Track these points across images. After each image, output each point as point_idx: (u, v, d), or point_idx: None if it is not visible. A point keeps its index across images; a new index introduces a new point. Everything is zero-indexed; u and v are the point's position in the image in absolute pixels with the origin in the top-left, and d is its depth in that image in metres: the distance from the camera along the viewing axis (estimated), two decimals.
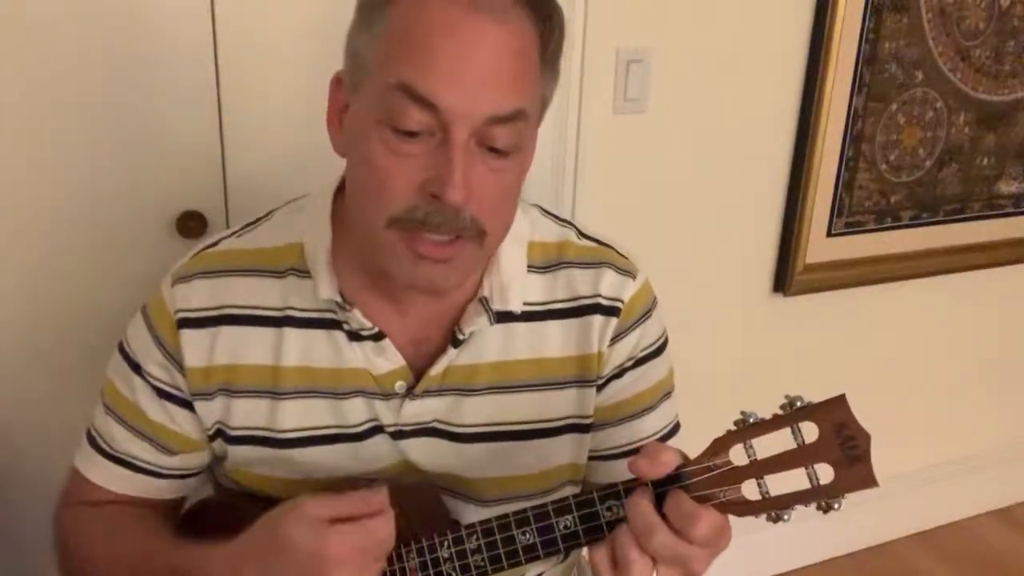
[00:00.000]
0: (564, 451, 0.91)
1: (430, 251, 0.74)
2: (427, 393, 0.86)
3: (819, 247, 1.81)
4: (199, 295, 0.85)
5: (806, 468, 0.66)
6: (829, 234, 1.82)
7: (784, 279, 1.81)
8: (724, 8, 1.57)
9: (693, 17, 1.55)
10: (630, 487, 0.71)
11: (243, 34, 1.27)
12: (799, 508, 0.67)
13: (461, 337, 0.85)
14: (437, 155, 0.71)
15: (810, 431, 0.66)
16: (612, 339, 0.88)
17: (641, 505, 0.68)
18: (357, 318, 0.83)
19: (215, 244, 0.89)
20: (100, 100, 1.23)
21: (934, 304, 2.05)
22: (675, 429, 0.95)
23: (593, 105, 1.52)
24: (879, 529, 2.19)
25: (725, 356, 1.80)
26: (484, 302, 0.84)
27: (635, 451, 0.91)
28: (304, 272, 0.85)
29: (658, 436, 0.93)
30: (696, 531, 0.66)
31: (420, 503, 0.84)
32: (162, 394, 0.87)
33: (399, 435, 0.87)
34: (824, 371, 1.96)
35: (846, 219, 1.83)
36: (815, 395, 0.68)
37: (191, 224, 1.31)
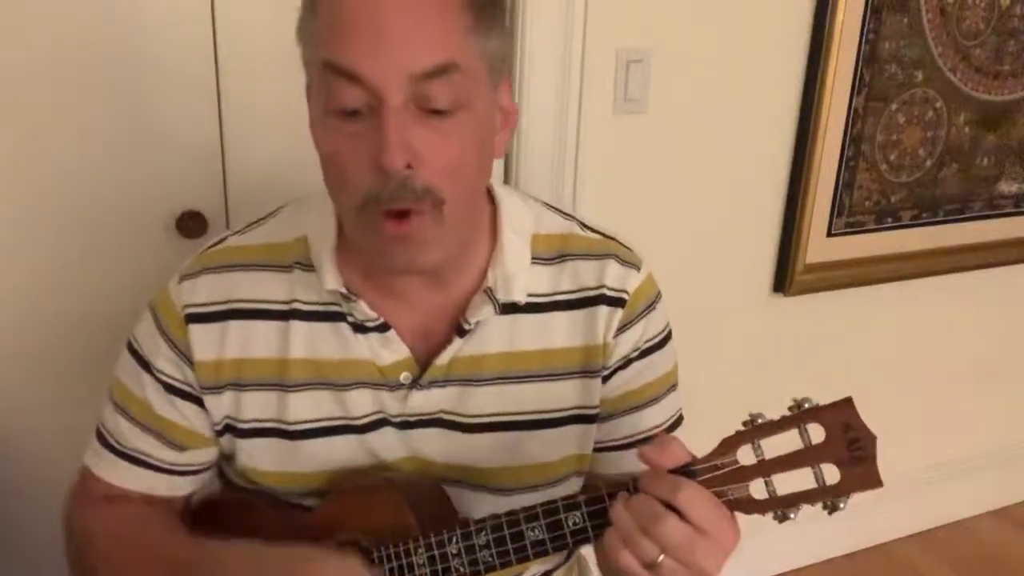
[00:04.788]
0: (570, 441, 0.91)
1: (389, 229, 0.74)
2: (433, 384, 0.87)
3: (819, 247, 1.81)
4: (206, 290, 0.86)
5: (812, 468, 0.67)
6: (829, 234, 1.82)
7: (784, 279, 1.81)
8: (724, 8, 1.57)
9: (693, 17, 1.55)
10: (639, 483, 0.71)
11: (243, 34, 1.27)
12: (805, 508, 0.68)
13: (467, 327, 0.85)
14: (377, 128, 0.71)
15: (817, 432, 0.67)
16: (618, 330, 0.88)
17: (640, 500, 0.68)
18: (362, 309, 0.84)
19: (220, 242, 0.90)
20: (100, 100, 1.23)
21: (934, 304, 2.05)
22: (679, 421, 0.96)
23: (593, 105, 1.52)
24: (879, 529, 2.19)
25: (725, 356, 1.80)
26: (489, 292, 0.85)
27: (640, 442, 0.91)
28: (309, 266, 0.86)
29: (662, 427, 0.93)
30: (680, 496, 0.66)
31: (429, 501, 0.84)
32: (171, 390, 0.87)
33: (405, 426, 0.87)
34: (824, 371, 1.96)
35: (846, 219, 1.83)
36: (815, 394, 0.69)
37: (191, 224, 1.31)
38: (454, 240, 0.80)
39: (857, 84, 1.72)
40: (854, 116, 1.74)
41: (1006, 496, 2.39)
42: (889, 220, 1.89)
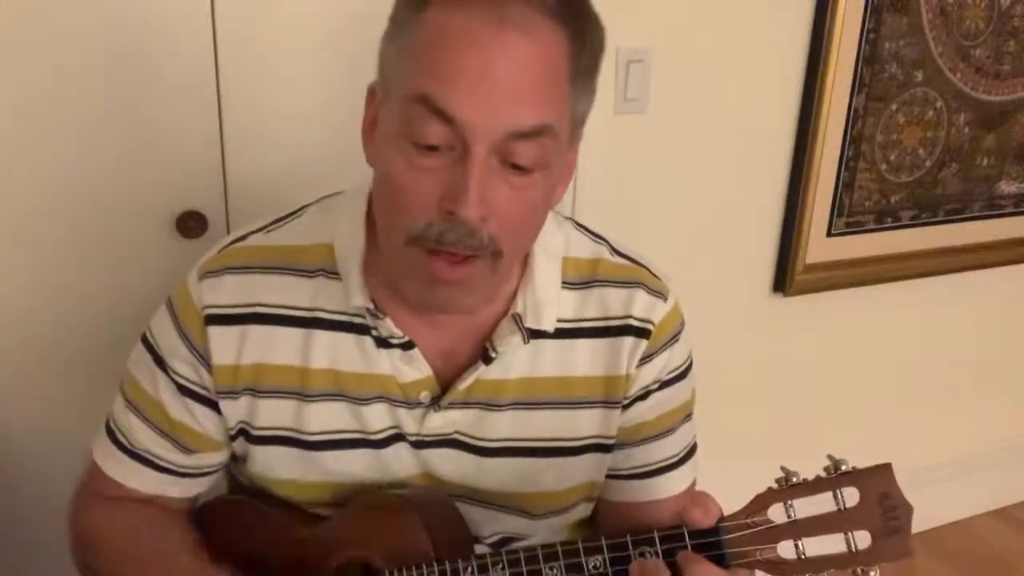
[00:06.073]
0: (585, 470, 0.90)
1: (443, 273, 0.73)
2: (452, 405, 0.85)
3: (819, 247, 1.81)
4: (228, 291, 0.84)
5: (844, 533, 0.66)
6: (829, 234, 1.82)
7: (784, 279, 1.81)
8: (724, 8, 1.57)
9: (693, 17, 1.55)
10: (665, 534, 0.70)
11: (243, 34, 1.27)
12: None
13: (494, 355, 0.83)
14: (455, 170, 0.69)
15: (852, 495, 0.66)
16: (641, 360, 0.87)
17: None
18: (388, 326, 0.82)
19: (243, 238, 0.87)
20: (100, 100, 1.23)
21: (934, 304, 2.05)
22: (692, 451, 0.95)
23: (593, 105, 1.51)
24: None
25: (725, 356, 1.80)
26: (518, 319, 0.83)
27: (652, 472, 0.91)
28: (334, 274, 0.83)
29: (677, 458, 0.92)
30: None
31: (446, 524, 0.83)
32: (185, 391, 0.86)
33: (420, 444, 0.86)
34: (824, 371, 1.96)
35: (846, 219, 1.83)
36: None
37: (191, 224, 1.31)
38: (498, 284, 0.79)
39: (857, 84, 1.72)
40: (854, 116, 1.74)
41: (1006, 496, 2.39)
42: (889, 220, 1.89)
